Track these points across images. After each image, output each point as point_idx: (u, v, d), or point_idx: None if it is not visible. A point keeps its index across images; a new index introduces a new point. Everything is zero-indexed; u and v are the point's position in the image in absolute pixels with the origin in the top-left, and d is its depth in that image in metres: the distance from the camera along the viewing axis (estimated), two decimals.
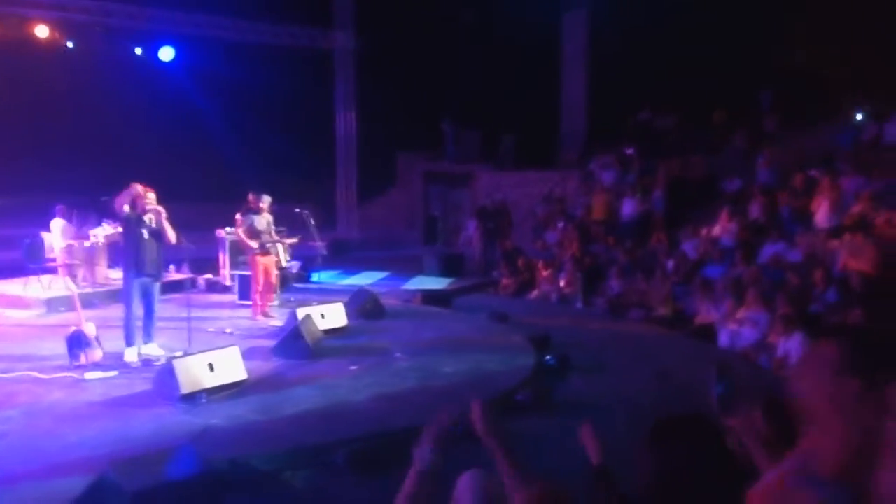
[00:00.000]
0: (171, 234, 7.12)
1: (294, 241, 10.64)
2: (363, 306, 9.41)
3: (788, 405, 1.78)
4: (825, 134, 12.77)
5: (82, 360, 6.62)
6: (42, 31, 13.81)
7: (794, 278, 8.61)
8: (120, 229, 7.89)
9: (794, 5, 13.65)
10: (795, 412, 1.83)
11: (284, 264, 10.06)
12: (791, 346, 7.03)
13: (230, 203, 11.30)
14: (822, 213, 10.07)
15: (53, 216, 11.17)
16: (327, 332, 8.15)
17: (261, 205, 9.30)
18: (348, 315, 8.90)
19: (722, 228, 11.21)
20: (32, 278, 10.39)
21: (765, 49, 13.85)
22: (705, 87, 14.54)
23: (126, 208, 6.98)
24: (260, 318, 9.13)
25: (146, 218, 7.01)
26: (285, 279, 10.74)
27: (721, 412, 2.10)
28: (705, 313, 9.09)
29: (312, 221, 9.62)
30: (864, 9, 12.54)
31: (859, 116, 12.93)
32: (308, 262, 11.91)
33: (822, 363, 1.61)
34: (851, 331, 1.76)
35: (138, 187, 7.04)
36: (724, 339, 8.41)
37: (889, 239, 8.63)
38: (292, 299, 10.02)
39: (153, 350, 7.17)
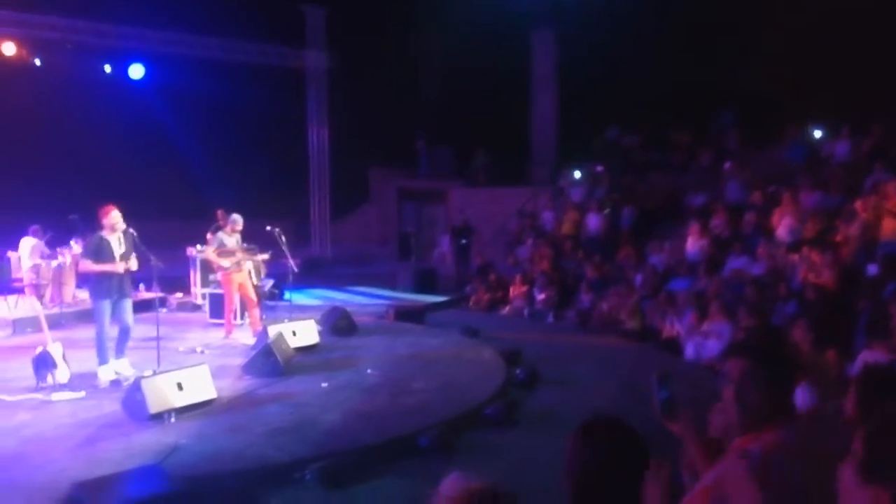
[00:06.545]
0: (134, 263, 7.12)
1: (266, 256, 10.64)
2: (336, 323, 9.45)
3: None
4: (784, 151, 13.17)
5: (49, 380, 6.56)
6: (9, 49, 13.64)
7: (753, 291, 8.85)
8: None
9: (751, 30, 14.17)
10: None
11: (256, 282, 10.05)
12: None
13: (202, 220, 11.27)
14: (782, 228, 10.38)
15: (26, 235, 11.02)
16: (299, 349, 8.17)
17: (231, 225, 9.27)
18: (321, 332, 8.93)
19: (692, 243, 11.45)
20: None
21: (725, 70, 14.33)
22: (668, 106, 14.94)
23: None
24: (235, 336, 9.09)
25: (114, 237, 7.00)
26: (258, 297, 10.70)
27: (664, 417, 2.23)
28: (670, 326, 9.30)
29: (284, 239, 9.64)
30: (815, 32, 13.12)
31: (818, 134, 13.34)
32: (280, 280, 11.89)
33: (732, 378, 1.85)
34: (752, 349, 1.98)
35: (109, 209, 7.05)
36: (689, 351, 8.60)
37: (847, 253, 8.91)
38: (264, 317, 10.01)
39: (123, 367, 7.12)
